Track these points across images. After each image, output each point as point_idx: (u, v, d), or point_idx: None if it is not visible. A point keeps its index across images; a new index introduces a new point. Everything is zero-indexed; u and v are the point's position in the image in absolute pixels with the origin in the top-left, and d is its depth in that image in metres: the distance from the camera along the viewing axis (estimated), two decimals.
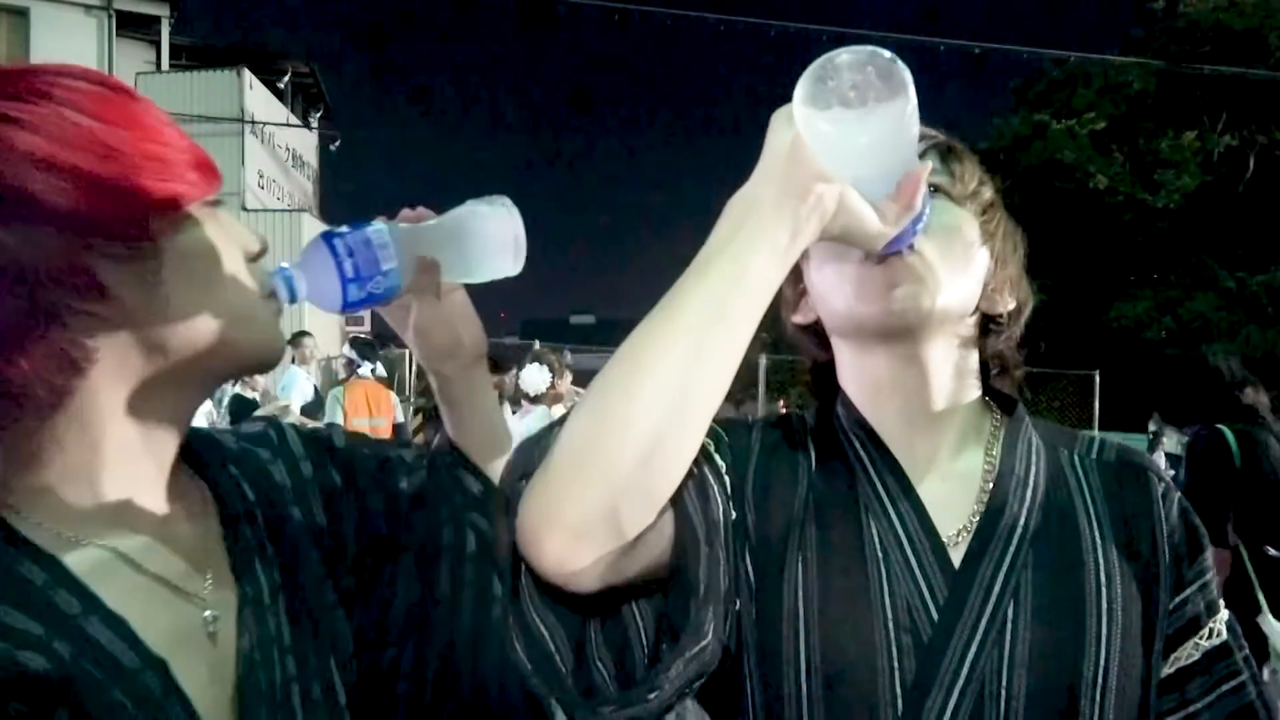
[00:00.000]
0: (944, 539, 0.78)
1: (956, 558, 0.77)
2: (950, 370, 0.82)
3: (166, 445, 0.70)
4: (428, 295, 0.86)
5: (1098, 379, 14.02)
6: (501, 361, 5.02)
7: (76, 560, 0.63)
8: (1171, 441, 11.31)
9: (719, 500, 0.72)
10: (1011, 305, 0.86)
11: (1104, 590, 0.77)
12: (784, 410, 0.95)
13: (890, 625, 0.75)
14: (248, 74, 16.41)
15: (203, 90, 16.05)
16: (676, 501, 0.67)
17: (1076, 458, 0.85)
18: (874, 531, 0.78)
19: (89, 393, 0.64)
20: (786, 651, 0.75)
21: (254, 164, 16.35)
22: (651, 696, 0.65)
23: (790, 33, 13.30)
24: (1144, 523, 0.81)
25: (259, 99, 16.90)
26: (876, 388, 0.82)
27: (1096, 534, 0.80)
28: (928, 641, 0.74)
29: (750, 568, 0.78)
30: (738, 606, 0.76)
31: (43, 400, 0.62)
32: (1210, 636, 0.81)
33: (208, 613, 0.69)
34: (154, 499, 0.70)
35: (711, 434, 0.78)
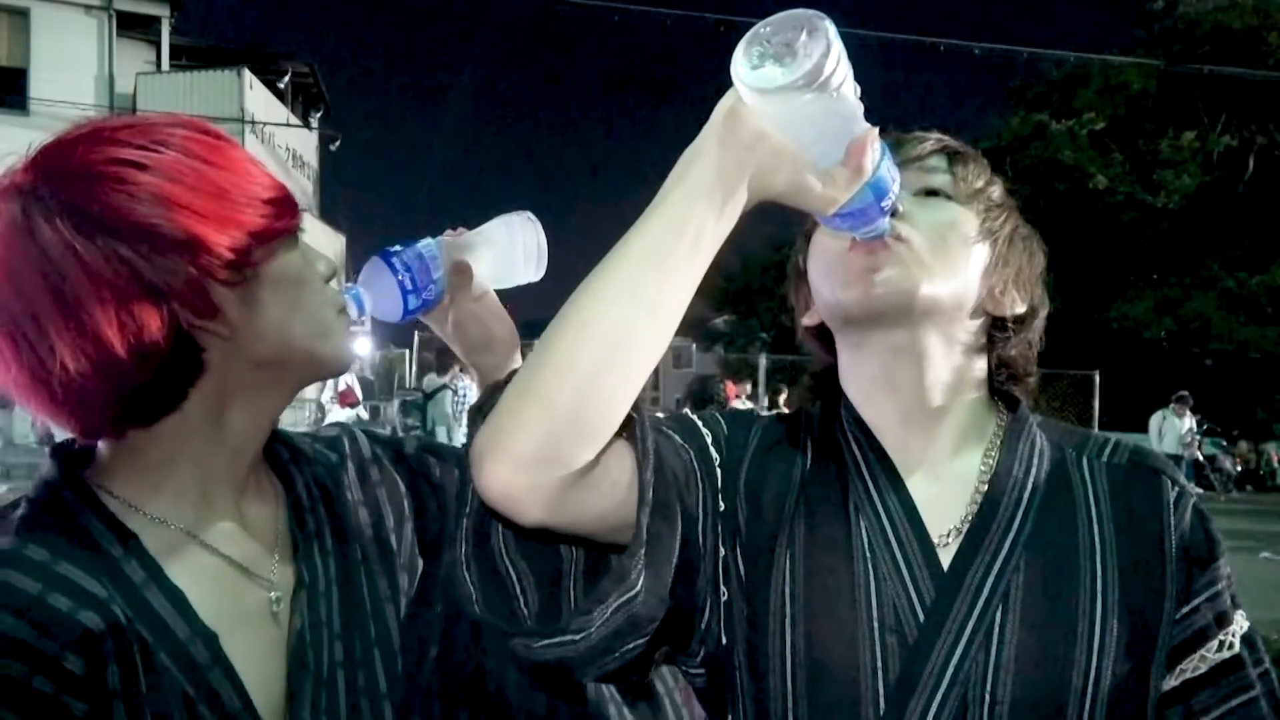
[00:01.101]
0: (934, 539, 0.77)
1: (947, 559, 0.76)
2: (947, 368, 0.80)
3: (252, 443, 0.80)
4: (463, 294, 0.98)
5: (1098, 379, 14.02)
6: None
7: (154, 539, 0.72)
8: (1170, 440, 11.33)
9: (701, 486, 0.78)
10: (1021, 309, 0.83)
11: (1100, 598, 0.75)
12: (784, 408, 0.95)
13: (875, 624, 0.75)
14: (248, 74, 16.41)
15: (203, 90, 16.05)
16: (640, 464, 0.71)
17: (1085, 460, 0.82)
18: (863, 530, 0.78)
19: (195, 397, 0.73)
20: (773, 646, 0.76)
21: None
22: (578, 636, 0.69)
23: None
24: (1151, 528, 0.78)
25: (259, 99, 16.89)
26: (872, 385, 0.82)
27: (1096, 539, 0.77)
28: (913, 642, 0.74)
29: (740, 561, 0.79)
30: (726, 597, 0.79)
31: (168, 403, 0.72)
32: (1220, 649, 0.77)
33: (273, 594, 0.78)
34: (236, 490, 0.79)
35: (711, 427, 0.84)
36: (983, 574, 0.75)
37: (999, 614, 0.74)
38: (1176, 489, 0.81)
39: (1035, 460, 0.81)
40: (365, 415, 10.93)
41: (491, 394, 0.72)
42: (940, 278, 0.77)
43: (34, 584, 0.66)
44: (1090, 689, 0.73)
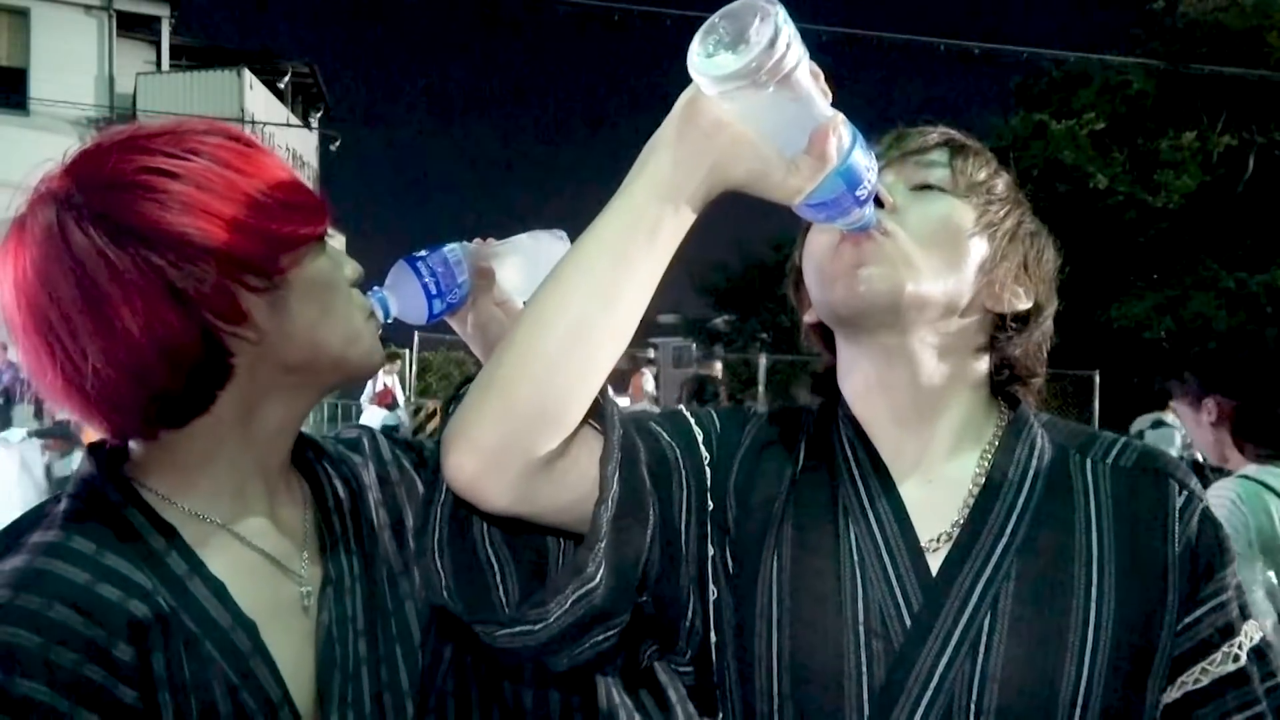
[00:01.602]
0: (924, 544, 0.76)
1: (936, 564, 0.75)
2: (942, 368, 0.78)
3: (282, 443, 0.82)
4: (485, 298, 1.01)
5: (1098, 379, 14.01)
6: None
7: (192, 532, 0.75)
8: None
9: (685, 485, 0.79)
10: (1023, 305, 0.82)
11: (1093, 607, 0.73)
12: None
13: (861, 630, 0.74)
14: (248, 74, 16.40)
15: (203, 90, 16.03)
16: (602, 459, 0.71)
17: (1089, 462, 0.80)
18: (851, 533, 0.77)
19: (224, 399, 0.75)
20: (759, 648, 0.76)
21: None
22: (537, 626, 0.69)
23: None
24: (1155, 534, 0.76)
25: (259, 99, 16.88)
26: (865, 385, 0.81)
27: (1094, 546, 0.75)
28: (899, 649, 0.73)
29: (729, 560, 0.79)
30: (715, 596, 0.79)
31: (198, 406, 0.74)
32: (1223, 661, 0.75)
33: (304, 588, 0.81)
34: (268, 487, 0.81)
35: (703, 424, 0.84)
36: (972, 581, 0.74)
37: (987, 622, 0.72)
38: (1185, 494, 0.78)
39: (1034, 463, 0.79)
40: (404, 416, 10.83)
41: (463, 385, 0.73)
42: (929, 274, 0.75)
43: (82, 574, 0.67)
44: (1080, 700, 0.71)
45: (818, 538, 0.78)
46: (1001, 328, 0.82)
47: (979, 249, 0.79)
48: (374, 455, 0.94)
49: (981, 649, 0.72)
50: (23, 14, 15.58)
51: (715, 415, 0.87)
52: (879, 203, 0.75)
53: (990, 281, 0.79)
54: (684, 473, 0.79)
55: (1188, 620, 0.75)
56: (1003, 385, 0.84)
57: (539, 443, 0.68)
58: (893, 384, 0.79)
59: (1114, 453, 0.81)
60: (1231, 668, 0.75)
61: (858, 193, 0.70)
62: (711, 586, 0.80)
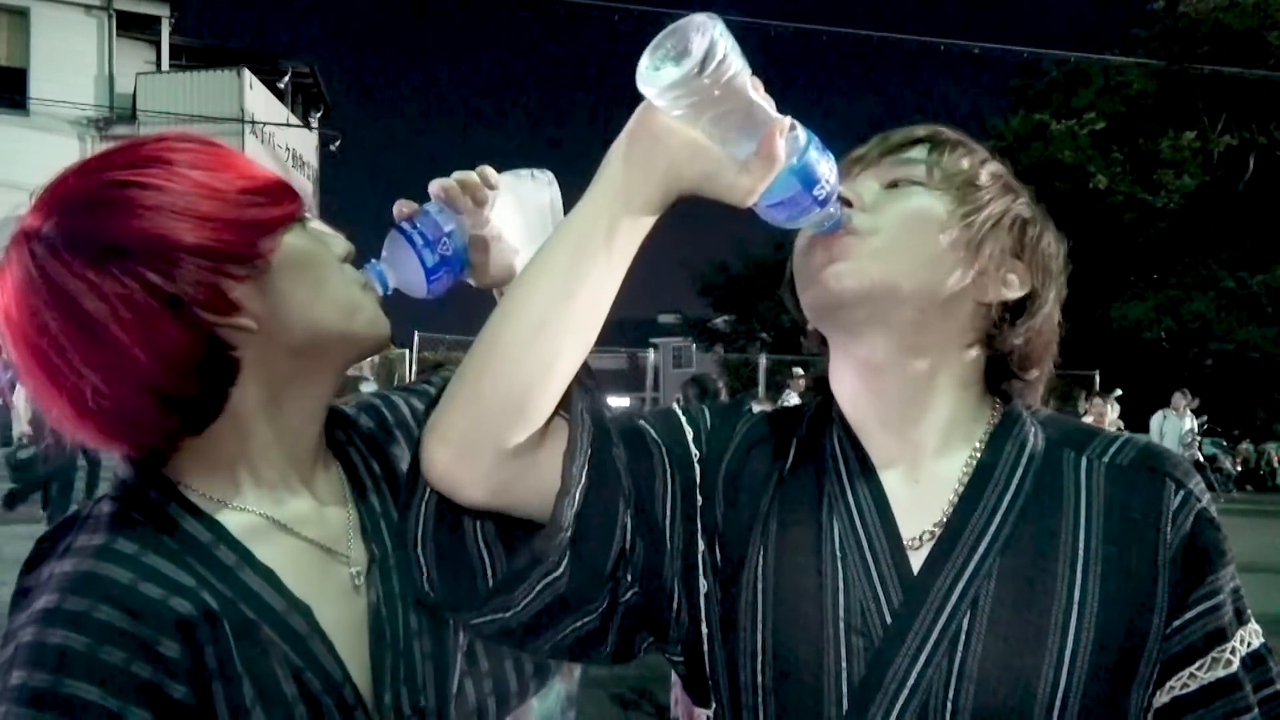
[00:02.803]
0: (907, 542, 0.76)
1: (918, 562, 0.75)
2: (922, 366, 0.78)
3: (310, 429, 0.82)
4: (485, 263, 0.91)
5: (1098, 379, 14.02)
6: None
7: (236, 524, 0.76)
8: (1171, 440, 11.32)
9: (670, 481, 0.80)
10: (1014, 293, 0.80)
11: (1075, 608, 0.72)
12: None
13: (841, 625, 0.75)
14: (248, 74, 16.40)
15: (203, 90, 16.04)
16: (566, 454, 0.73)
17: (1085, 460, 0.78)
18: (835, 530, 0.78)
19: (241, 393, 0.75)
20: (744, 642, 0.77)
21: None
22: (506, 613, 0.73)
23: (790, 33, 13.29)
24: (1146, 535, 0.74)
25: (259, 99, 16.89)
26: (852, 387, 0.81)
27: (1080, 546, 0.74)
28: (878, 645, 0.73)
29: (718, 554, 0.81)
30: (705, 589, 0.80)
31: (213, 407, 0.74)
32: (1211, 667, 0.73)
33: (354, 569, 0.82)
34: (305, 474, 0.82)
35: (693, 421, 0.85)
36: (952, 580, 0.73)
37: (966, 621, 0.72)
38: (1181, 494, 0.75)
39: (1023, 461, 0.78)
40: None
41: (447, 380, 0.76)
42: (899, 268, 0.75)
43: (127, 574, 0.68)
44: (1059, 701, 0.70)
45: (802, 534, 0.79)
46: (993, 317, 0.80)
47: (955, 240, 0.77)
48: (399, 424, 0.94)
49: (960, 648, 0.72)
50: (23, 14, 15.60)
51: (708, 412, 0.88)
52: (850, 204, 0.77)
53: (975, 272, 0.77)
54: (668, 468, 0.81)
55: (1177, 623, 0.73)
56: (998, 380, 0.82)
57: (507, 434, 0.70)
58: (874, 384, 0.80)
59: (1112, 450, 0.79)
60: (1221, 674, 0.73)
61: (815, 192, 0.72)
62: (702, 580, 0.80)
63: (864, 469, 0.79)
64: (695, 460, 0.83)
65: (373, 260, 0.87)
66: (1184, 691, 0.73)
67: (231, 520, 0.76)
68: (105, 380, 0.70)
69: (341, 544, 0.82)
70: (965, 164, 0.80)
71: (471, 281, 0.93)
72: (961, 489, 0.77)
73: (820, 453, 0.82)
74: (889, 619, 0.74)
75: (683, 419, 0.86)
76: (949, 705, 0.71)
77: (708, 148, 0.70)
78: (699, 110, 0.68)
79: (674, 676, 4.10)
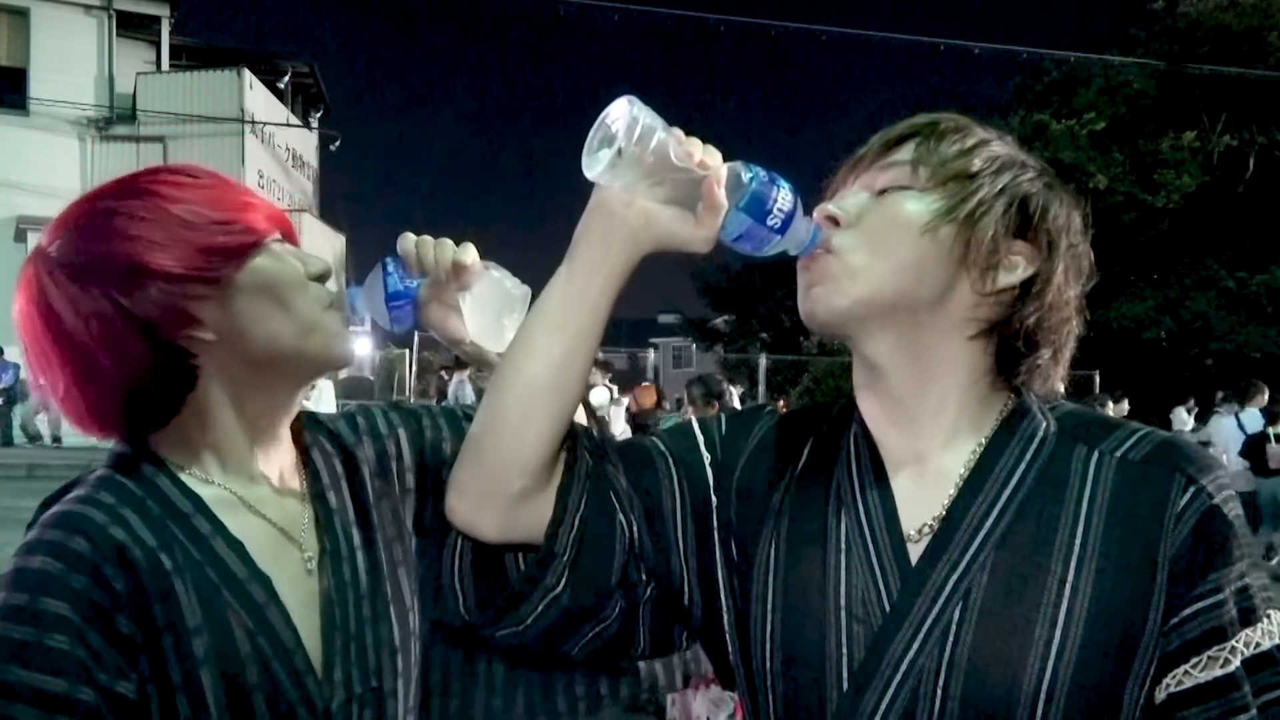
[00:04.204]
0: (909, 534, 0.78)
1: (917, 554, 0.77)
2: (924, 366, 0.79)
3: (274, 429, 0.90)
4: (435, 305, 1.05)
5: (1098, 379, 14.02)
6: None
7: (211, 496, 0.85)
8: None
9: (679, 492, 0.87)
10: (1021, 274, 0.79)
11: (1065, 603, 0.72)
12: (783, 408, 0.97)
13: (843, 614, 0.78)
14: (248, 74, 16.39)
15: (203, 90, 16.03)
16: (560, 489, 0.84)
17: (1097, 455, 0.77)
18: (842, 523, 0.81)
19: (202, 393, 0.84)
20: (755, 629, 0.82)
21: (254, 164, 16.32)
22: (518, 627, 0.86)
23: (790, 32, 13.29)
24: (1149, 531, 0.73)
25: (259, 99, 16.88)
26: (861, 387, 0.84)
27: (1077, 541, 0.74)
28: (876, 633, 0.76)
29: (733, 549, 0.86)
30: (722, 581, 0.86)
31: (173, 405, 0.84)
32: (1208, 666, 0.72)
33: (306, 553, 0.89)
34: (269, 465, 0.90)
35: (707, 430, 0.91)
36: (947, 572, 0.75)
37: (958, 612, 0.74)
38: (1191, 490, 0.74)
39: (1028, 455, 0.78)
40: None
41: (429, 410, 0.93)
42: (877, 279, 0.77)
43: (101, 515, 0.78)
44: (1044, 693, 0.71)
45: (812, 526, 0.82)
46: (1008, 304, 0.79)
47: (941, 237, 0.77)
48: (370, 432, 1.00)
49: (951, 638, 0.74)
50: (23, 14, 15.59)
51: (723, 420, 0.93)
52: (838, 222, 0.80)
53: (968, 265, 0.78)
54: (675, 476, 0.88)
55: (1174, 620, 0.73)
56: (1012, 367, 0.81)
57: (508, 485, 0.82)
58: (880, 383, 0.81)
59: (1126, 445, 0.77)
60: (1218, 673, 0.72)
61: (769, 223, 0.77)
62: (719, 573, 0.86)
63: (874, 464, 0.82)
64: (707, 464, 0.88)
65: (354, 285, 1.00)
66: (1179, 689, 0.73)
67: (207, 493, 0.85)
68: (76, 381, 0.81)
69: (296, 531, 0.90)
70: (954, 153, 0.80)
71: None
72: (961, 483, 0.78)
73: (837, 449, 0.85)
74: (888, 608, 0.76)
75: (696, 428, 0.92)
76: (939, 692, 0.73)
77: (658, 211, 0.79)
78: (638, 180, 0.77)
79: None
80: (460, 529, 0.86)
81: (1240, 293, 17.59)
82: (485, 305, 1.03)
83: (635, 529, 0.86)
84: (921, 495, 0.79)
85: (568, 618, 0.85)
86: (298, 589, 0.86)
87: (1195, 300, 17.82)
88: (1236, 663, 0.72)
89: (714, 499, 0.87)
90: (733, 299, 26.26)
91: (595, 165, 0.77)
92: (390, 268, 1.00)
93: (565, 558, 0.83)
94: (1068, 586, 0.73)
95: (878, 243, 0.78)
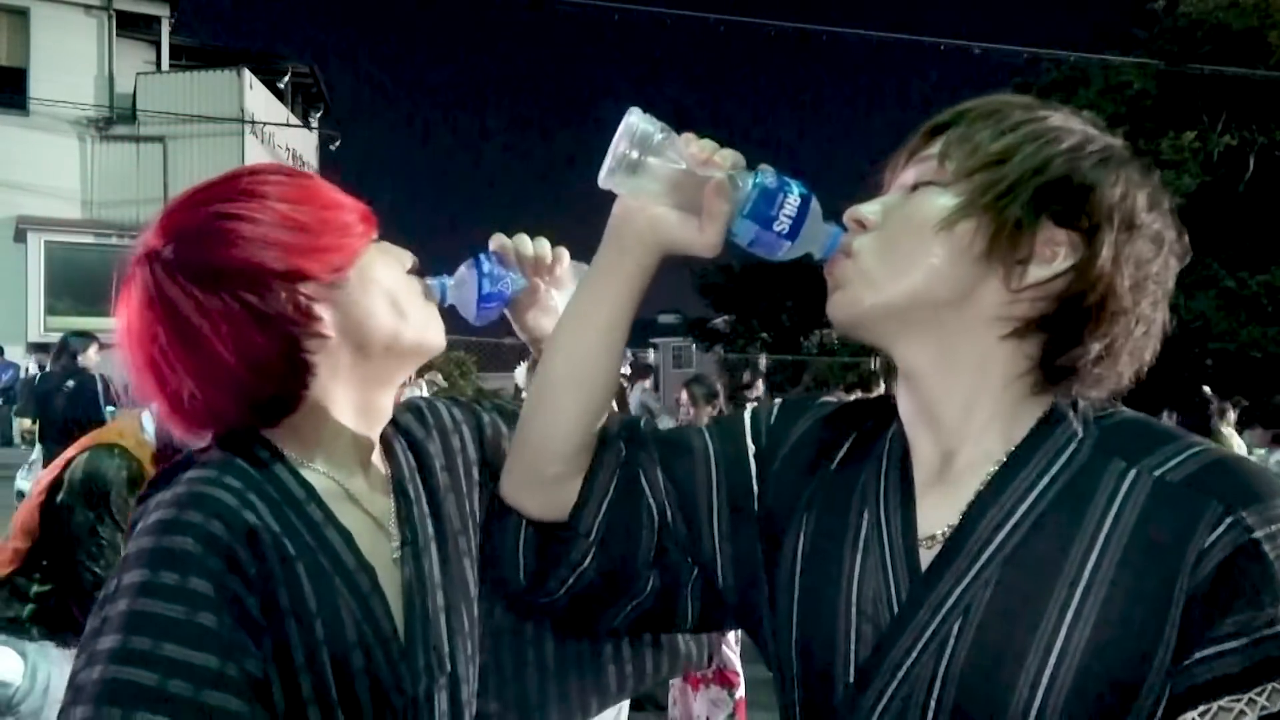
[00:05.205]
0: (923, 540, 0.76)
1: (928, 561, 0.76)
2: (950, 371, 0.77)
3: (374, 420, 0.94)
4: (530, 310, 1.08)
5: None
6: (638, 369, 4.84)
7: (322, 487, 0.89)
8: None
9: (714, 480, 0.90)
10: (1058, 265, 0.73)
11: (1065, 629, 0.68)
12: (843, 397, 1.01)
13: (854, 611, 0.78)
14: (248, 74, 16.39)
15: (203, 90, 16.03)
16: (590, 472, 0.89)
17: (1134, 473, 0.71)
18: (864, 522, 0.81)
19: (318, 389, 0.88)
20: (780, 618, 0.85)
21: (254, 164, 16.31)
22: (549, 598, 0.93)
23: (790, 32, 13.29)
24: (1170, 562, 0.67)
25: (259, 99, 16.88)
26: (898, 389, 0.84)
27: (1089, 566, 0.69)
28: (882, 633, 0.76)
29: (767, 536, 0.88)
30: (760, 564, 0.88)
31: (292, 402, 0.87)
32: (1219, 716, 0.64)
33: (393, 543, 0.93)
34: (364, 458, 0.95)
35: (756, 418, 0.94)
36: (952, 583, 0.73)
37: (957, 626, 0.72)
38: (1228, 521, 0.66)
39: (1054, 468, 0.74)
40: None
41: (496, 405, 1.02)
42: (893, 282, 0.75)
43: (232, 499, 0.81)
44: (1032, 718, 0.68)
45: (837, 521, 0.83)
46: (1053, 298, 0.74)
47: (955, 235, 0.73)
48: (438, 427, 1.06)
49: (947, 651, 0.72)
50: (23, 14, 15.59)
51: (774, 408, 0.95)
52: (864, 225, 0.79)
53: (993, 260, 0.73)
54: (713, 461, 0.91)
55: (1185, 662, 0.66)
56: (1054, 371, 0.76)
57: (547, 470, 0.89)
58: (909, 385, 0.80)
59: (1170, 464, 0.71)
60: None
61: (776, 229, 0.78)
62: (759, 557, 0.88)
63: (902, 465, 0.81)
64: (751, 455, 0.91)
65: (444, 275, 0.99)
66: None
67: (319, 483, 0.89)
68: (200, 384, 0.83)
69: (387, 521, 0.94)
70: (986, 138, 0.75)
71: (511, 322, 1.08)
72: (979, 493, 0.75)
73: (874, 447, 0.85)
74: (895, 610, 0.76)
75: (745, 415, 0.95)
76: (932, 703, 0.72)
77: (664, 216, 0.82)
78: (649, 188, 0.80)
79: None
80: (508, 504, 0.93)
81: (1240, 293, 17.57)
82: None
83: (669, 513, 0.90)
84: (942, 501, 0.77)
85: (597, 592, 0.91)
86: (388, 579, 0.90)
87: (1195, 300, 17.80)
88: (1253, 717, 0.64)
89: (755, 487, 0.90)
90: (733, 299, 26.22)
91: (609, 177, 0.80)
92: (486, 267, 0.99)
93: (591, 538, 0.89)
94: (1070, 612, 0.69)
95: (893, 245, 0.76)
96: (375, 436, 0.96)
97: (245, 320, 0.82)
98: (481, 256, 1.00)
